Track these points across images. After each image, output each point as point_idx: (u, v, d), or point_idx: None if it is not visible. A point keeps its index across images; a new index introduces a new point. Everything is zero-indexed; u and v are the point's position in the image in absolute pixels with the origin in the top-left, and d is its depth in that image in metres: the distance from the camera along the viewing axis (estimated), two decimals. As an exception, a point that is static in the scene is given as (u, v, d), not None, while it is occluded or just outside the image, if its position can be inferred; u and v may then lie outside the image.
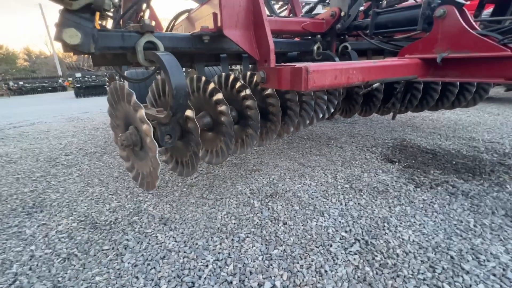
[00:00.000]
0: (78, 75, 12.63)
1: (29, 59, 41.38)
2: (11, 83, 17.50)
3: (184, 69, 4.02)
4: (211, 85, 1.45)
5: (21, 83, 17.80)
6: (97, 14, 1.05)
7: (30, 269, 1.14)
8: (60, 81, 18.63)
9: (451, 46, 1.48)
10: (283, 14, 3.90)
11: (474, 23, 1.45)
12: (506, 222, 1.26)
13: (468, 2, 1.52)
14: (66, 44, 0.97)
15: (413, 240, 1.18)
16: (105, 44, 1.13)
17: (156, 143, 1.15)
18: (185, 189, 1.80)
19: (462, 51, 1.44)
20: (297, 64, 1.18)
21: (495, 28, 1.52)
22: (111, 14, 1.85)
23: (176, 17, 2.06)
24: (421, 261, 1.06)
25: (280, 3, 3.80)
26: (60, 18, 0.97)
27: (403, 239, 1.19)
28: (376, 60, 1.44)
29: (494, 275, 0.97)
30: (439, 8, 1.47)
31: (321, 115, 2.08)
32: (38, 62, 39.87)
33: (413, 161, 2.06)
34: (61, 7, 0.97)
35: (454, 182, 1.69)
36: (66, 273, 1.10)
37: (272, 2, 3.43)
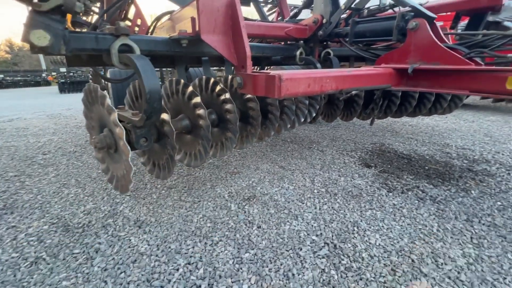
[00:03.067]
0: (63, 69, 12.23)
1: (11, 51, 39.60)
2: (-10, 76, 16.71)
3: (170, 69, 3.97)
4: (190, 88, 1.46)
5: (1, 76, 17.04)
6: (69, 16, 1.04)
7: (-6, 273, 1.12)
8: (43, 75, 17.96)
9: (422, 58, 1.55)
10: (272, 16, 3.94)
11: (444, 36, 1.53)
12: (466, 227, 1.34)
13: (438, 17, 1.59)
14: (34, 46, 0.96)
15: (379, 244, 1.23)
16: (77, 46, 1.11)
17: (128, 147, 1.15)
18: (163, 191, 1.80)
19: (432, 63, 1.51)
20: (272, 72, 1.20)
21: (464, 42, 1.60)
22: (90, 12, 1.81)
23: (158, 18, 2.05)
24: (384, 264, 1.11)
25: (269, 6, 3.84)
26: (29, 19, 0.95)
27: (370, 243, 1.24)
28: (351, 68, 1.49)
29: (449, 277, 1.03)
30: (411, 20, 1.54)
31: (302, 119, 2.12)
32: (21, 55, 38.22)
33: (389, 166, 2.13)
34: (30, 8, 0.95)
35: (424, 187, 1.76)
36: (32, 278, 1.08)
37: (262, 4, 3.46)
